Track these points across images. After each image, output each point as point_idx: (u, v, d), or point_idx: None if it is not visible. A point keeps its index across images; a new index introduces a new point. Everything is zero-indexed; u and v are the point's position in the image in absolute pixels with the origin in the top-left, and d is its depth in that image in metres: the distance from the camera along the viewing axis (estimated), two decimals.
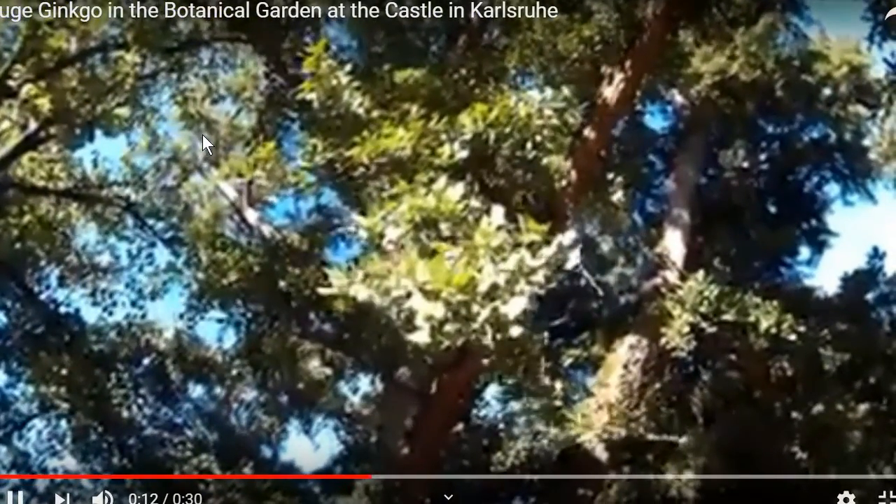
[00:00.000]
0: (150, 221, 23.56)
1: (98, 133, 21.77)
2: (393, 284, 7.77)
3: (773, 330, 17.03)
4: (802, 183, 23.45)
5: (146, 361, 20.82)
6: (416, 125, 10.69)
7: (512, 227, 8.16)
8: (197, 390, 21.86)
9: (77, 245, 23.17)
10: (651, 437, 18.42)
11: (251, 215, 23.91)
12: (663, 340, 17.61)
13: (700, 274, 17.96)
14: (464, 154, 10.54)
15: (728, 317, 17.36)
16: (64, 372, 19.10)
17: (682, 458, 19.62)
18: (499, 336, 7.46)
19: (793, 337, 17.03)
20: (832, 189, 23.62)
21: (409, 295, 7.65)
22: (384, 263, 8.13)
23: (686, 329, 17.18)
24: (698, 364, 19.36)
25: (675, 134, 22.82)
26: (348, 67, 11.47)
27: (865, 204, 23.53)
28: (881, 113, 23.16)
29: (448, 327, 7.40)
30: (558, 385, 18.40)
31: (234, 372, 22.35)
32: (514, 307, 7.52)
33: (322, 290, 9.13)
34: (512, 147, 11.33)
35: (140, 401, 20.22)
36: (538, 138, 11.21)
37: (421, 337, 7.57)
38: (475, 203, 8.91)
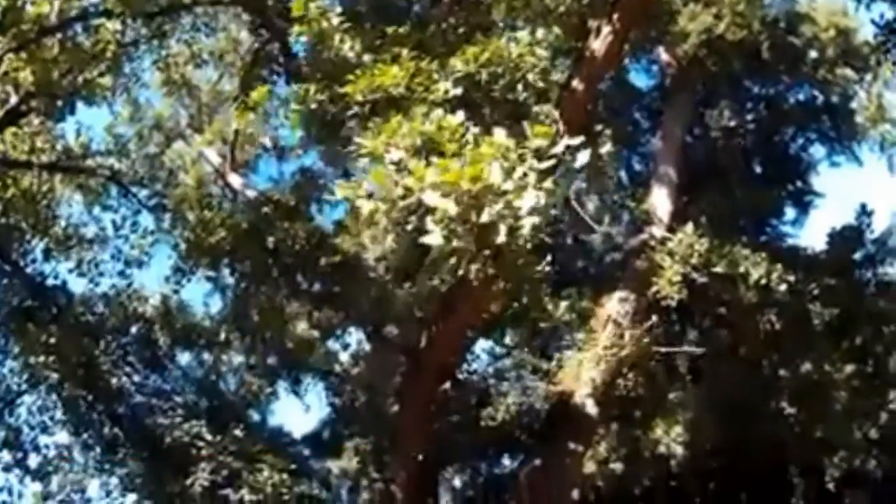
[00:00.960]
0: (135, 189, 23.85)
1: (81, 105, 22.29)
2: (400, 193, 7.95)
3: (763, 281, 17.34)
4: (788, 144, 23.77)
5: (133, 330, 21.01)
6: (408, 64, 10.89)
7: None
8: (185, 357, 22.05)
9: (62, 217, 23.29)
10: (640, 391, 18.70)
11: (235, 180, 24.00)
12: (653, 291, 17.87)
13: (689, 227, 18.23)
14: (457, 91, 10.75)
15: (719, 269, 17.65)
16: (52, 342, 19.29)
17: (671, 415, 19.99)
18: (512, 229, 7.60)
19: (782, 288, 17.36)
20: (818, 151, 24.00)
21: (420, 191, 7.77)
22: (390, 177, 8.28)
23: (677, 279, 17.44)
24: (686, 319, 19.62)
25: (662, 92, 23.02)
26: (338, 10, 11.68)
27: (851, 166, 23.91)
28: (868, 76, 23.68)
29: (460, 228, 7.57)
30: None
31: (222, 336, 22.55)
32: (526, 200, 7.68)
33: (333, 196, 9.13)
34: (504, 88, 11.53)
35: (128, 369, 20.40)
36: (530, 78, 11.43)
37: (434, 239, 7.73)
38: (474, 130, 9.03)
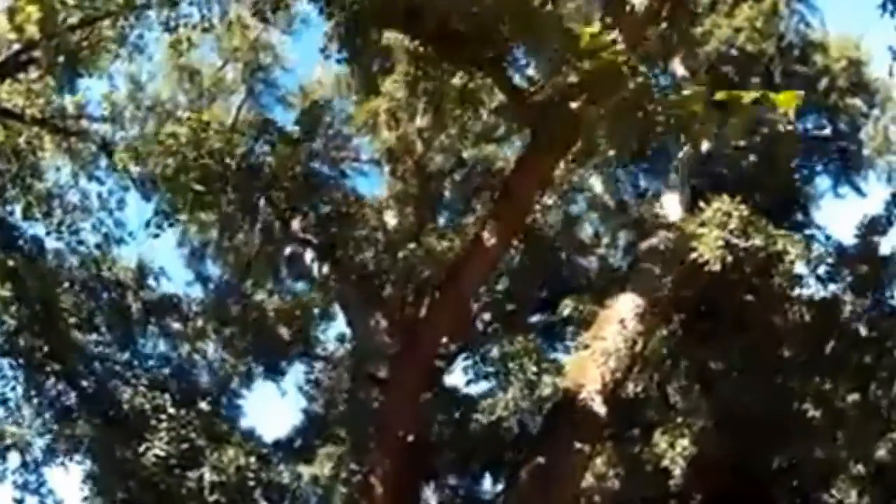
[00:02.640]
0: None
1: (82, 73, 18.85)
2: None
3: (800, 261, 13.79)
4: (793, 173, 20.28)
5: (105, 294, 16.85)
6: None
7: None
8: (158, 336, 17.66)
9: (47, 179, 19.30)
10: (649, 394, 14.81)
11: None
12: (694, 256, 13.96)
13: (725, 197, 14.58)
14: None
15: (757, 241, 13.97)
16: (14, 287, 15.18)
17: (677, 427, 15.98)
18: None
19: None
20: (822, 182, 20.56)
21: None
22: None
23: (720, 243, 13.65)
24: (701, 320, 15.67)
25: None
26: None
27: (856, 197, 20.47)
28: (876, 110, 20.50)
29: None
30: None
31: (199, 324, 18.34)
32: None
33: None
34: None
35: (94, 334, 16.21)
36: None
37: None
38: None
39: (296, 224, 13.32)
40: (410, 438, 12.55)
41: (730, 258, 13.53)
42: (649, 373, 14.65)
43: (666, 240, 15.98)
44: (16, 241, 16.79)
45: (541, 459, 13.79)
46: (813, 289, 15.90)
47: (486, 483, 19.91)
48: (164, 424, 14.09)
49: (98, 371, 15.37)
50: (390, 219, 15.13)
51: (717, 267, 13.55)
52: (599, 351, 14.49)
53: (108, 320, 16.48)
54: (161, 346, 17.14)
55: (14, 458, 15.71)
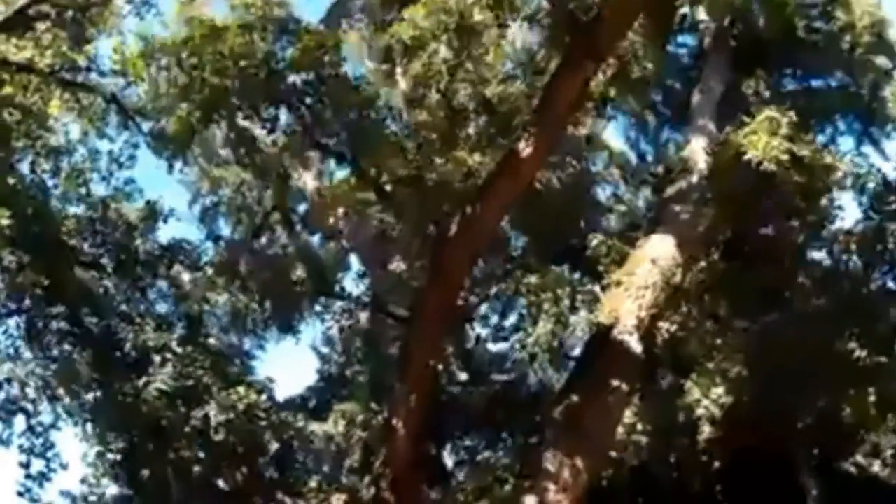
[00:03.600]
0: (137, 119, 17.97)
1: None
2: None
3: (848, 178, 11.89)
4: (816, 133, 18.30)
5: (112, 236, 14.77)
6: None
7: None
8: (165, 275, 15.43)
9: (56, 132, 17.26)
10: (684, 334, 12.78)
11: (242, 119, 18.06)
12: (749, 155, 11.94)
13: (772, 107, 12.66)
14: None
15: (804, 151, 12.03)
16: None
17: (709, 374, 13.91)
18: None
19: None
20: (845, 143, 18.57)
21: None
22: None
23: (774, 143, 11.67)
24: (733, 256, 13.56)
25: (699, 51, 17.65)
26: None
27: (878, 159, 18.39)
28: None
29: None
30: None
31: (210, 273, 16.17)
32: None
33: None
34: None
35: (99, 274, 14.13)
36: None
37: None
38: None
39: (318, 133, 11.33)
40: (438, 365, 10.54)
41: (785, 157, 11.58)
42: (686, 310, 12.61)
43: (699, 176, 14.04)
44: (20, 184, 14.81)
45: (575, 397, 11.78)
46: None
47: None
48: (170, 362, 12.04)
49: (101, 309, 13.28)
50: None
51: (772, 166, 11.58)
52: (634, 286, 12.52)
53: (114, 262, 14.39)
54: (170, 293, 15.00)
55: (20, 422, 13.64)
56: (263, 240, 17.34)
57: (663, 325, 12.63)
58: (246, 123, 11.67)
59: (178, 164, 18.30)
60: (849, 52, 17.76)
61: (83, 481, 13.23)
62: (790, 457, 17.19)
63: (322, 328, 17.24)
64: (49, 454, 14.71)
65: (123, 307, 13.58)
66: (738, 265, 12.92)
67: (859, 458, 18.04)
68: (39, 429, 14.72)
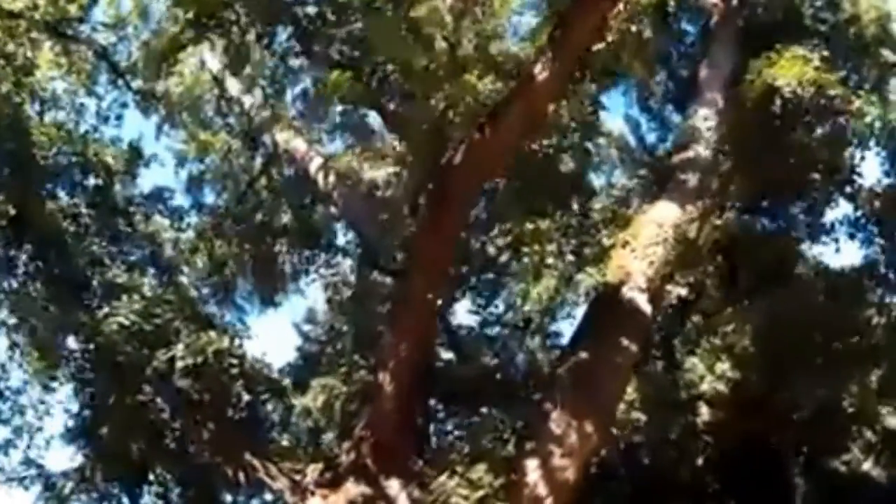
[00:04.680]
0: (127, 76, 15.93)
1: None
2: None
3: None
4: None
5: (90, 180, 12.65)
6: None
7: None
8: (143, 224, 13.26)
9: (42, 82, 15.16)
10: (692, 297, 10.82)
11: (233, 86, 16.03)
12: (780, 83, 10.06)
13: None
14: None
15: (832, 91, 10.22)
16: None
17: (713, 351, 11.95)
18: None
19: None
20: None
21: None
22: None
23: (805, 69, 9.84)
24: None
25: (707, 30, 15.81)
26: None
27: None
28: None
29: None
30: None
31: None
32: None
33: None
34: None
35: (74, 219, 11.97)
36: None
37: None
38: None
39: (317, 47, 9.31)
40: (439, 302, 8.47)
41: (811, 90, 9.75)
42: (699, 269, 10.68)
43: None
44: None
45: (583, 355, 9.72)
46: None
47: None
48: (137, 300, 9.89)
49: (70, 249, 11.12)
50: None
51: (808, 90, 9.74)
52: (643, 244, 10.54)
53: (89, 202, 12.23)
54: (145, 244, 12.84)
55: None
56: (249, 206, 15.14)
57: (672, 288, 10.66)
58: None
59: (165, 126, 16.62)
60: (854, 44, 16.13)
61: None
62: (783, 451, 15.28)
63: (305, 303, 15.09)
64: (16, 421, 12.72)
65: (94, 249, 11.43)
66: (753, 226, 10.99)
67: (851, 456, 16.07)
68: (7, 393, 12.75)
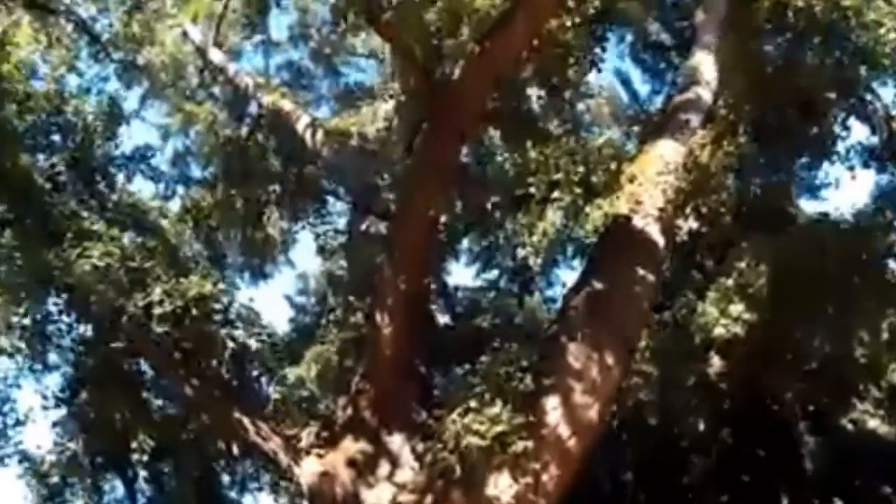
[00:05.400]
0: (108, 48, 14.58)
1: None
2: None
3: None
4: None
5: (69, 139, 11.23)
6: None
7: None
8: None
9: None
10: (706, 230, 9.53)
11: (216, 56, 14.71)
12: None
13: None
14: None
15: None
16: None
17: (728, 291, 10.69)
18: None
19: None
20: None
21: None
22: None
23: None
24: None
25: None
26: None
27: None
28: None
29: None
30: None
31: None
32: None
33: None
34: None
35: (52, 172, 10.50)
36: None
37: None
38: None
39: None
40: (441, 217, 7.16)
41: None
42: (713, 197, 9.41)
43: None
44: None
45: (599, 285, 8.42)
46: None
47: None
48: (112, 244, 8.47)
49: (46, 203, 9.66)
50: None
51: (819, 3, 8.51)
52: (653, 171, 9.25)
53: (68, 164, 10.80)
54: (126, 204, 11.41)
55: None
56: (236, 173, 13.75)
57: (684, 223, 9.37)
58: None
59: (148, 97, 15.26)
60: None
61: None
62: (791, 409, 14.04)
63: (297, 278, 13.69)
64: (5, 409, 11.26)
65: (73, 205, 9.98)
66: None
67: (858, 414, 14.85)
68: None
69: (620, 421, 11.82)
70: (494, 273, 13.31)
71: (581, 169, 8.84)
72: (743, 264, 10.47)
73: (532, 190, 8.81)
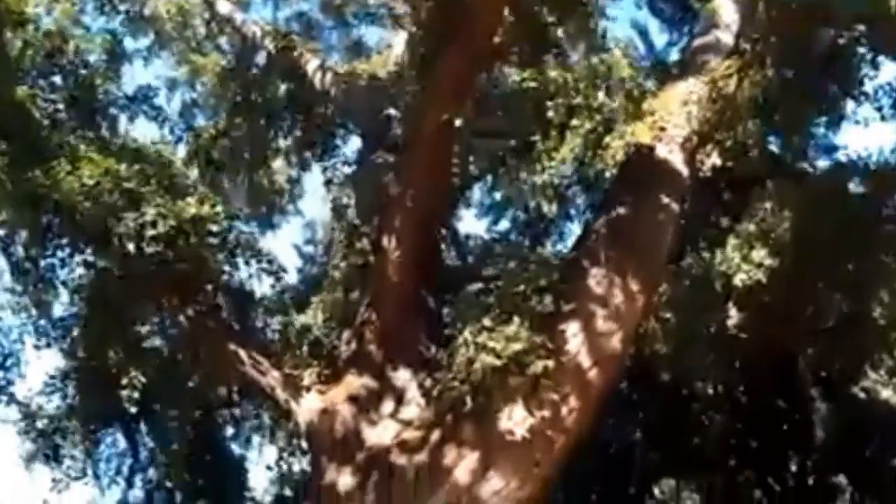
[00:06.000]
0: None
1: None
2: None
3: None
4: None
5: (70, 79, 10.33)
6: None
7: None
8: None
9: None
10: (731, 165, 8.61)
11: (224, 6, 13.80)
12: None
13: None
14: None
15: None
16: None
17: (749, 236, 9.79)
18: None
19: None
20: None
21: None
22: None
23: None
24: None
25: None
26: None
27: None
28: None
29: None
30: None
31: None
32: None
33: None
34: None
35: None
36: None
37: None
38: None
39: None
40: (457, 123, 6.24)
41: None
42: (739, 129, 8.49)
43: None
44: None
45: (622, 210, 7.52)
46: None
47: None
48: (104, 163, 7.57)
49: (41, 139, 8.78)
50: None
51: None
52: (677, 102, 8.34)
53: (67, 102, 9.89)
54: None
55: None
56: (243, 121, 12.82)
57: (707, 159, 8.47)
58: None
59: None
60: None
61: None
62: (804, 374, 13.14)
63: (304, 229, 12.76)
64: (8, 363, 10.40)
65: (70, 139, 9.08)
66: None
67: (870, 383, 13.91)
68: None
69: (631, 376, 10.94)
70: (506, 225, 12.35)
71: (602, 95, 7.95)
72: (766, 208, 9.54)
73: (551, 114, 7.88)
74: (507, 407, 6.25)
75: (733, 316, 10.52)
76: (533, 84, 7.72)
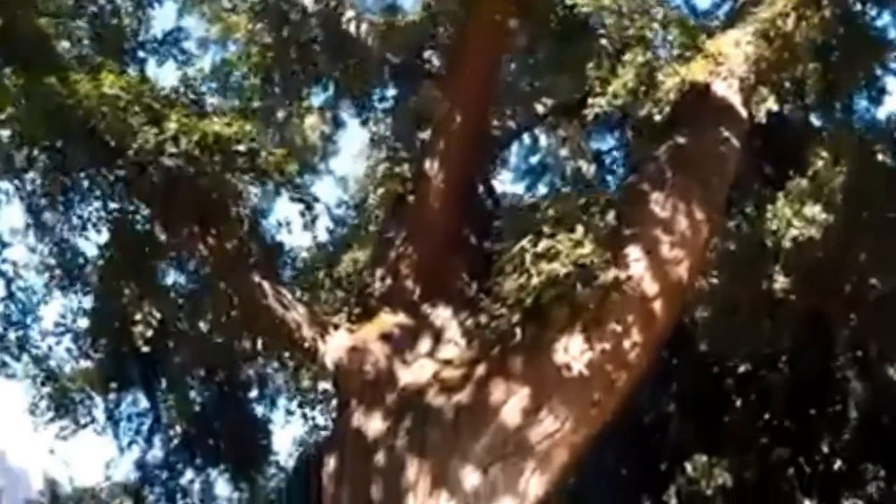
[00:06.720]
0: None
1: None
2: None
3: None
4: None
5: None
6: None
7: None
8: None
9: None
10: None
11: None
12: None
13: None
14: None
15: None
16: None
17: (802, 193, 8.77)
18: None
19: None
20: None
21: None
22: None
23: None
24: None
25: None
26: None
27: None
28: None
29: None
30: None
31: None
32: None
33: None
34: None
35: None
36: None
37: None
38: None
39: None
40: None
41: None
42: (797, 73, 7.49)
43: None
44: None
45: (681, 139, 6.54)
46: None
47: None
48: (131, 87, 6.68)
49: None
50: None
51: None
52: (732, 41, 7.37)
53: (92, 45, 9.04)
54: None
55: None
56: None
57: (762, 105, 7.50)
58: None
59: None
60: None
61: None
62: (840, 351, 12.09)
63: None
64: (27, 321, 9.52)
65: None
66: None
67: None
68: (20, 294, 9.54)
69: (668, 343, 9.91)
70: (543, 191, 11.35)
71: (657, 26, 7.01)
72: (820, 162, 8.53)
73: (604, 42, 6.91)
74: (564, 338, 5.26)
75: (778, 280, 9.53)
76: (587, 8, 6.76)
